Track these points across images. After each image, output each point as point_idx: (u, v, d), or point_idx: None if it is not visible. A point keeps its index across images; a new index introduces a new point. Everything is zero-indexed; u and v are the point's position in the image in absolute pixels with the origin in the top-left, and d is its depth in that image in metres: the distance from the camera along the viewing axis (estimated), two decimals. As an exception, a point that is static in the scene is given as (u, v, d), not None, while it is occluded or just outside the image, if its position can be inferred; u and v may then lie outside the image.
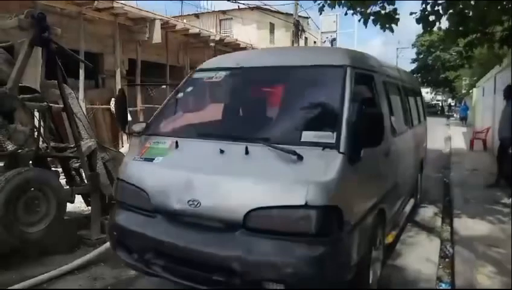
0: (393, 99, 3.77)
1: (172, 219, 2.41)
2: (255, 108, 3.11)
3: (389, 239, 3.58)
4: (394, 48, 50.10)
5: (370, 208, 2.66)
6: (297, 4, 17.40)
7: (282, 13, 21.11)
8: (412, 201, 4.89)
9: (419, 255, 3.94)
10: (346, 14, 6.12)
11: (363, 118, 2.32)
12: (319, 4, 6.14)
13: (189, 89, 3.24)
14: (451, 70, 33.11)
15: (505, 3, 5.38)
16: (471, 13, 5.61)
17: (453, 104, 44.71)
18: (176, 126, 3.00)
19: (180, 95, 3.18)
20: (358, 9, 5.88)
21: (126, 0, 10.58)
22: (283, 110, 2.92)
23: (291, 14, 18.16)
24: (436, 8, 5.70)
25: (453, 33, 6.13)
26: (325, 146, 2.29)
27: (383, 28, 5.83)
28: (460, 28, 5.92)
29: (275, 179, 2.22)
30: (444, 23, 5.93)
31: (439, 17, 5.65)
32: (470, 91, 23.43)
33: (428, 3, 5.79)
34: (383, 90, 3.37)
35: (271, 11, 20.71)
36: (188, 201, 2.32)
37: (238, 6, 18.49)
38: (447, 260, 3.93)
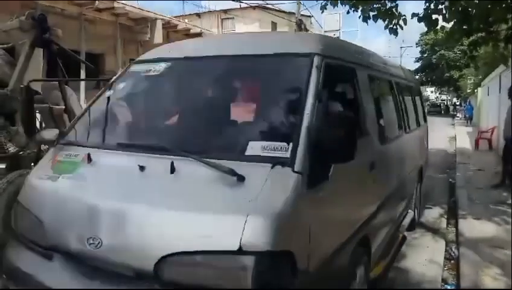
0: (383, 98, 3.27)
1: (72, 263, 1.82)
2: (193, 110, 2.42)
3: (377, 271, 2.91)
4: (398, 47, 49.91)
5: (346, 241, 2.08)
6: (300, 3, 17.37)
7: (284, 12, 21.08)
8: (410, 215, 4.22)
9: (424, 257, 3.89)
10: (348, 12, 6.11)
11: (329, 123, 1.81)
12: (321, 3, 6.12)
13: (122, 85, 2.61)
14: (456, 70, 32.97)
15: (509, 1, 5.31)
16: (474, 11, 5.55)
17: (457, 103, 44.50)
18: (96, 133, 2.39)
19: (111, 92, 2.55)
20: (360, 7, 5.86)
21: (127, 0, 10.59)
22: (228, 112, 2.35)
23: (294, 13, 18.14)
24: (439, 7, 5.66)
25: (456, 32, 6.07)
26: (275, 162, 1.70)
27: (387, 27, 5.81)
28: (464, 27, 5.87)
29: (201, 211, 1.62)
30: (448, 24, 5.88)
31: (443, 16, 5.60)
32: (475, 90, 23.30)
33: (432, 1, 5.75)
34: (367, 87, 2.76)
35: (273, 9, 20.68)
36: (88, 239, 1.74)
37: (240, 5, 18.47)
38: (452, 261, 3.90)
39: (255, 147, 1.80)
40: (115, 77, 2.70)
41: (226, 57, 2.38)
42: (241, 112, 2.31)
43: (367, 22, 5.87)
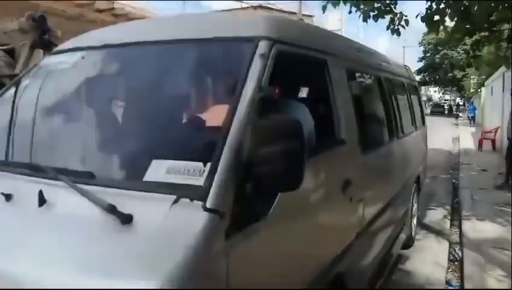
0: (367, 98, 2.82)
1: None
2: (94, 113, 1.90)
3: None
4: (401, 47, 49.75)
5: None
6: (301, 2, 17.38)
7: (285, 12, 21.07)
8: (405, 232, 3.64)
9: (428, 258, 3.87)
10: (350, 12, 6.10)
11: (269, 133, 1.23)
12: (322, 3, 6.12)
13: (26, 83, 2.06)
14: (459, 69, 32.86)
15: (511, 1, 5.27)
16: (476, 8, 5.51)
17: (461, 103, 44.36)
18: None
19: (12, 92, 1.99)
20: (362, 7, 5.87)
21: (127, 0, 10.61)
22: (136, 117, 1.78)
23: (295, 13, 18.14)
24: (441, 7, 5.62)
25: (457, 31, 6.03)
26: (181, 194, 1.16)
27: (389, 28, 5.81)
28: (467, 26, 5.83)
29: (61, 273, 1.08)
30: (450, 23, 5.85)
31: (443, 16, 5.56)
32: (479, 90, 23.20)
33: (434, 0, 5.72)
34: (344, 83, 2.19)
35: (274, 9, 20.69)
36: None
37: (241, 5, 18.49)
38: (456, 263, 3.86)
39: (157, 169, 1.27)
40: (22, 73, 2.23)
41: (148, 44, 1.82)
42: (153, 118, 1.66)
43: (366, 21, 5.88)
